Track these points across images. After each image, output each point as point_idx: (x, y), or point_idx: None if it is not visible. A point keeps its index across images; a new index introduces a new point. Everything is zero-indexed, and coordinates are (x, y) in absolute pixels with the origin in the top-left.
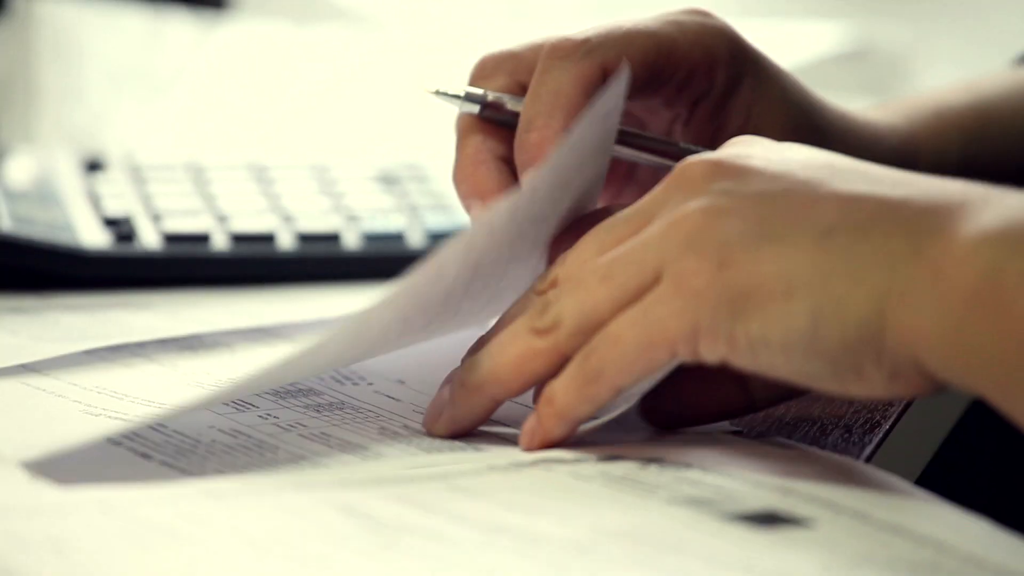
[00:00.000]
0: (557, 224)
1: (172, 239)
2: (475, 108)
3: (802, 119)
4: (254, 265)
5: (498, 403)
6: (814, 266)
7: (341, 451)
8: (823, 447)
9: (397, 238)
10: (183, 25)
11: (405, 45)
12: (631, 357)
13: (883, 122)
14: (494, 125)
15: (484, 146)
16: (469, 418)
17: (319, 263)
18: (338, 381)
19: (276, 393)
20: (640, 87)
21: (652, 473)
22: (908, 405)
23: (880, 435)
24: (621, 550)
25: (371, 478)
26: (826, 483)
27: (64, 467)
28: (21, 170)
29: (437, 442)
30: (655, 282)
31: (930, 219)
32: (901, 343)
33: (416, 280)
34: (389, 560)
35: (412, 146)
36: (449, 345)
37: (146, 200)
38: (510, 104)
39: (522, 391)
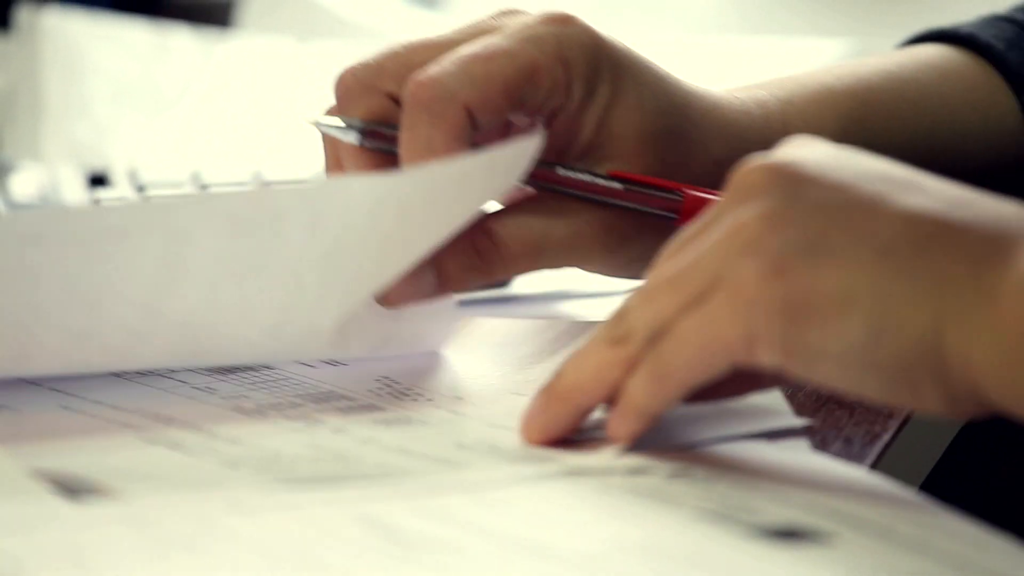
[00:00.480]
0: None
1: None
2: (354, 137)
3: (661, 120)
4: None
5: (584, 410)
6: (872, 282)
7: (424, 462)
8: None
9: None
10: (187, 41)
11: None
12: (694, 360)
13: (751, 100)
14: (372, 153)
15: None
16: (558, 425)
17: None
18: (396, 397)
19: (340, 409)
20: (501, 112)
21: (679, 487)
22: (908, 418)
23: (880, 447)
24: (638, 564)
25: (398, 492)
26: (850, 498)
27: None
28: (26, 184)
29: (510, 453)
30: (716, 288)
31: (990, 246)
32: (958, 367)
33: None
34: (406, 573)
35: None
36: (502, 361)
37: None
38: (387, 131)
39: (605, 398)
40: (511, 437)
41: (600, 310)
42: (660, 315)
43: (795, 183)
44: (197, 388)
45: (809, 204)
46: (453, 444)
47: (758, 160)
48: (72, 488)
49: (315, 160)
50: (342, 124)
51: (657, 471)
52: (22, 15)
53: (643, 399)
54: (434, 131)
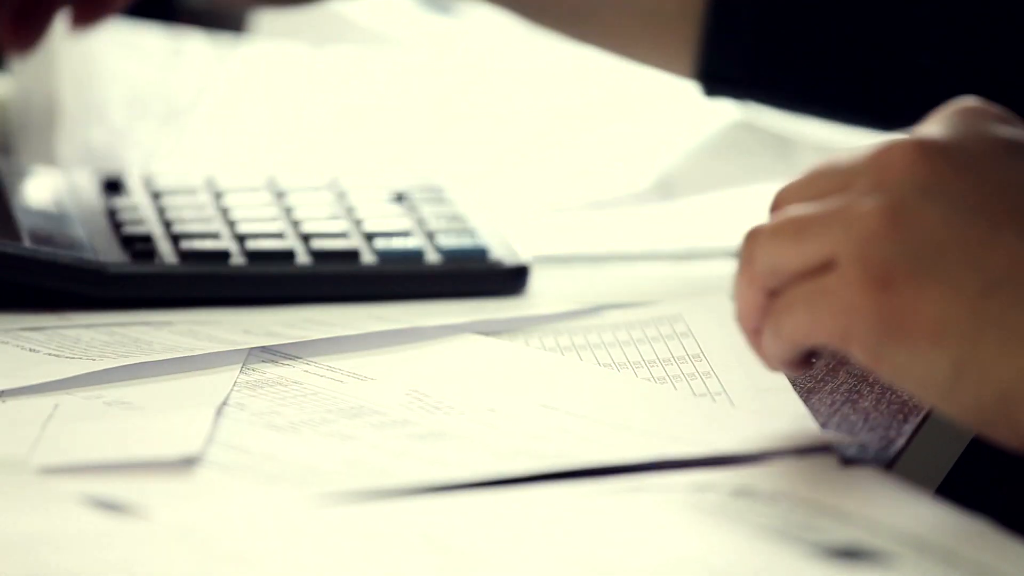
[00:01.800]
0: None
1: (191, 256)
2: None
3: None
4: (271, 282)
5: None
6: (968, 319)
7: (465, 474)
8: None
9: (415, 257)
10: (202, 47)
11: (423, 65)
12: (801, 332)
13: None
14: None
15: None
16: (765, 357)
17: (336, 280)
18: (427, 411)
19: (372, 425)
20: None
21: (741, 505)
22: (923, 422)
23: (895, 451)
24: None
25: (445, 506)
26: (914, 520)
27: None
28: (40, 189)
29: (547, 465)
30: (831, 265)
31: None
32: None
33: None
34: None
35: (431, 166)
36: (533, 371)
37: (164, 219)
38: None
39: (757, 316)
40: (546, 448)
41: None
42: (779, 260)
43: (932, 178)
44: (228, 405)
45: (937, 209)
46: (491, 455)
47: (906, 138)
48: (116, 506)
49: (331, 165)
50: None
51: (719, 488)
52: None
53: (771, 350)
54: None
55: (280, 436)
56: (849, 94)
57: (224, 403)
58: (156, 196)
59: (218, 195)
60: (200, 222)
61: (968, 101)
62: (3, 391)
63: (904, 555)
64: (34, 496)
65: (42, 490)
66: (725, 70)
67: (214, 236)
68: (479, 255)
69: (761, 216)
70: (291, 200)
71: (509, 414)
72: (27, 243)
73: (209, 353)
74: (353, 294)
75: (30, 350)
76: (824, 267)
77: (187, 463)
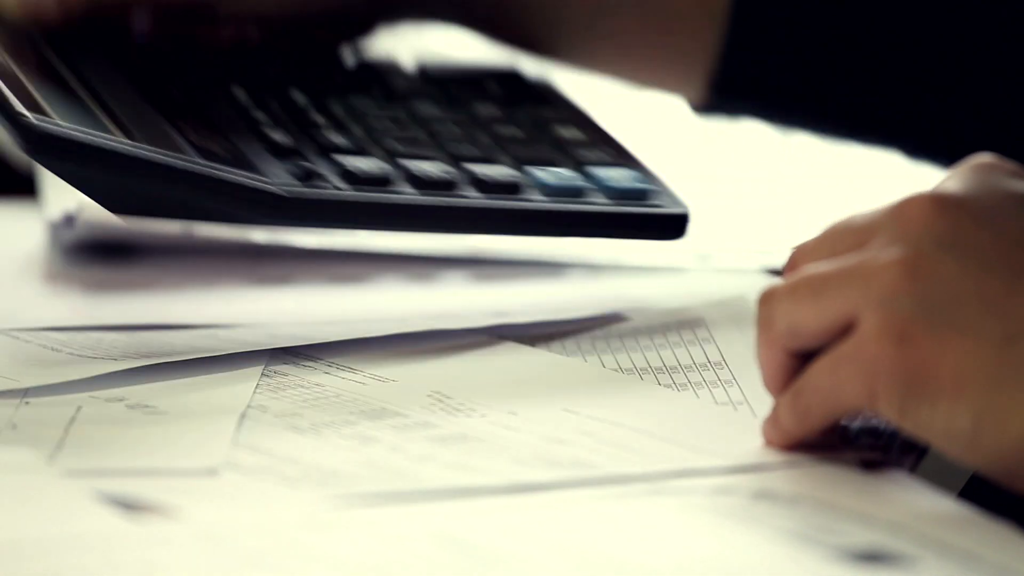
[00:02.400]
0: None
1: (361, 182)
2: None
3: None
4: (441, 214)
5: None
6: (988, 371)
7: (486, 478)
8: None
9: (580, 194)
10: None
11: None
12: (827, 406)
13: None
14: None
15: None
16: (783, 437)
17: (503, 214)
18: (449, 413)
19: (394, 427)
20: None
21: (762, 507)
22: None
23: (917, 453)
24: None
25: (468, 508)
26: (936, 522)
27: None
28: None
29: (574, 472)
30: (850, 324)
31: None
32: None
33: None
34: None
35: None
36: (555, 376)
37: (318, 140)
38: None
39: (782, 380)
40: (567, 452)
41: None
42: (799, 319)
43: (951, 230)
44: (250, 406)
45: (955, 262)
46: (511, 460)
47: (924, 193)
48: (135, 507)
49: None
50: None
51: (740, 491)
52: None
53: (791, 429)
54: None
55: (302, 438)
56: (864, 112)
57: (247, 408)
58: (297, 112)
59: (358, 115)
60: (355, 149)
61: (984, 157)
62: (26, 393)
63: (926, 558)
64: (55, 497)
65: (64, 491)
66: (745, 77)
67: (377, 161)
68: (642, 195)
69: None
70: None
71: (530, 417)
72: (195, 157)
73: (231, 354)
74: (516, 228)
75: (52, 349)
76: (844, 329)
77: (210, 472)
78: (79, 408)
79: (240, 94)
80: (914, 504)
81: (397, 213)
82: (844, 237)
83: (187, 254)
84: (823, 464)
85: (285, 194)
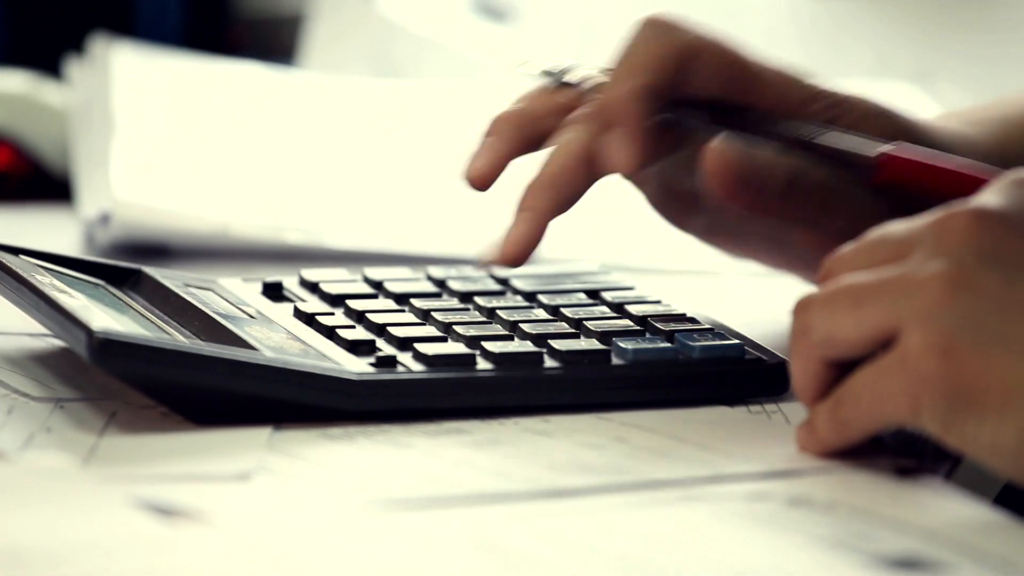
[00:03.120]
0: None
1: (437, 362)
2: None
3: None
4: (521, 388)
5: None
6: None
7: (522, 483)
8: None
9: (670, 357)
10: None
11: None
12: (869, 418)
13: (969, 135)
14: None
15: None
16: (821, 446)
17: (587, 385)
18: (481, 419)
19: (427, 433)
20: (713, 95)
21: (797, 514)
22: None
23: (952, 461)
24: None
25: (505, 514)
26: (971, 529)
27: None
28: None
29: (608, 478)
30: (892, 336)
31: None
32: None
33: None
34: None
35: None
36: None
37: (372, 322)
38: (595, 76)
39: (816, 389)
40: (602, 458)
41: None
42: (836, 329)
43: (993, 243)
44: None
45: (997, 275)
46: (545, 465)
47: (965, 207)
48: (169, 512)
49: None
50: (546, 68)
51: (775, 497)
52: (95, 46)
53: (827, 439)
54: (650, 47)
55: (335, 444)
56: None
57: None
58: (336, 300)
59: (401, 297)
60: (414, 325)
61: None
62: (60, 398)
63: (962, 565)
64: (90, 502)
65: (98, 496)
66: None
67: (442, 340)
68: (736, 352)
69: None
70: (478, 299)
71: (564, 424)
72: (264, 351)
73: None
74: (603, 400)
75: None
76: (884, 341)
77: (242, 477)
78: (113, 413)
79: None
80: (950, 511)
81: (474, 391)
82: (882, 248)
83: (221, 255)
84: (858, 471)
85: (359, 380)
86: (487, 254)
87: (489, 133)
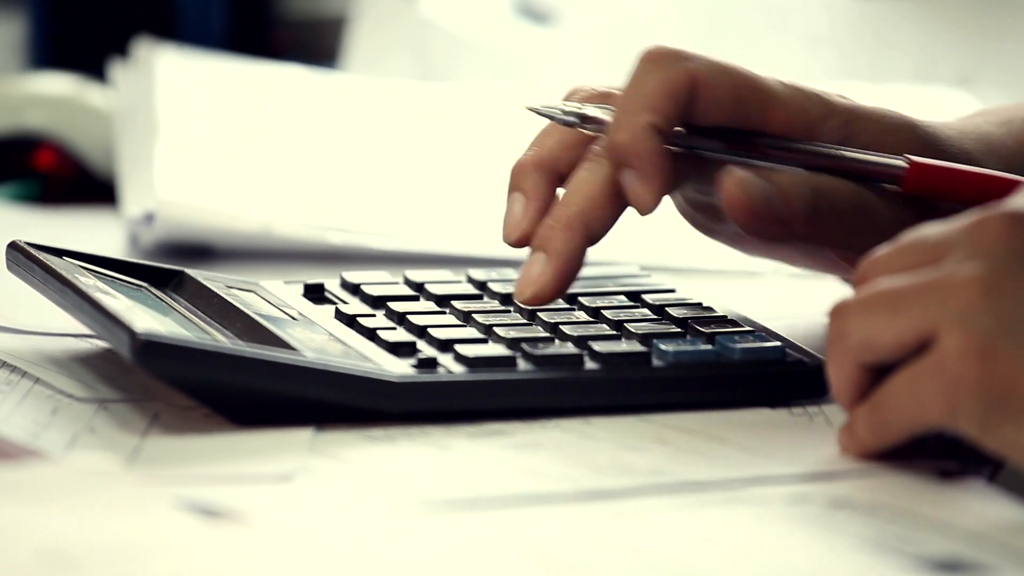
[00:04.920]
0: None
1: (478, 364)
2: (573, 120)
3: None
4: (563, 389)
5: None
6: None
7: (563, 485)
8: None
9: (711, 359)
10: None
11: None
12: (907, 421)
13: (994, 136)
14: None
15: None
16: (860, 448)
17: (628, 386)
18: (522, 421)
19: (468, 435)
20: (727, 119)
21: (840, 516)
22: None
23: (995, 463)
24: None
25: (547, 515)
26: (1015, 531)
27: None
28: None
29: (650, 479)
30: (929, 340)
31: None
32: None
33: None
34: None
35: None
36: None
37: (412, 324)
38: (604, 116)
39: (854, 393)
40: (643, 460)
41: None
42: (874, 334)
43: None
44: None
45: None
46: (587, 467)
47: (999, 209)
48: (212, 513)
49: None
50: (563, 109)
51: (817, 499)
52: (140, 50)
53: (867, 441)
54: (652, 80)
55: (377, 446)
56: None
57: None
58: (377, 302)
59: (442, 298)
60: (455, 327)
61: None
62: (104, 399)
63: (1004, 567)
64: (133, 503)
65: (141, 497)
66: None
67: (483, 341)
68: (777, 355)
69: None
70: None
71: (605, 425)
72: (306, 353)
73: None
74: (643, 402)
75: None
76: (921, 344)
77: (285, 478)
78: (156, 414)
79: None
80: (993, 513)
81: (515, 393)
82: (917, 252)
83: (264, 255)
84: (900, 473)
85: (401, 381)
86: (520, 294)
87: (513, 188)
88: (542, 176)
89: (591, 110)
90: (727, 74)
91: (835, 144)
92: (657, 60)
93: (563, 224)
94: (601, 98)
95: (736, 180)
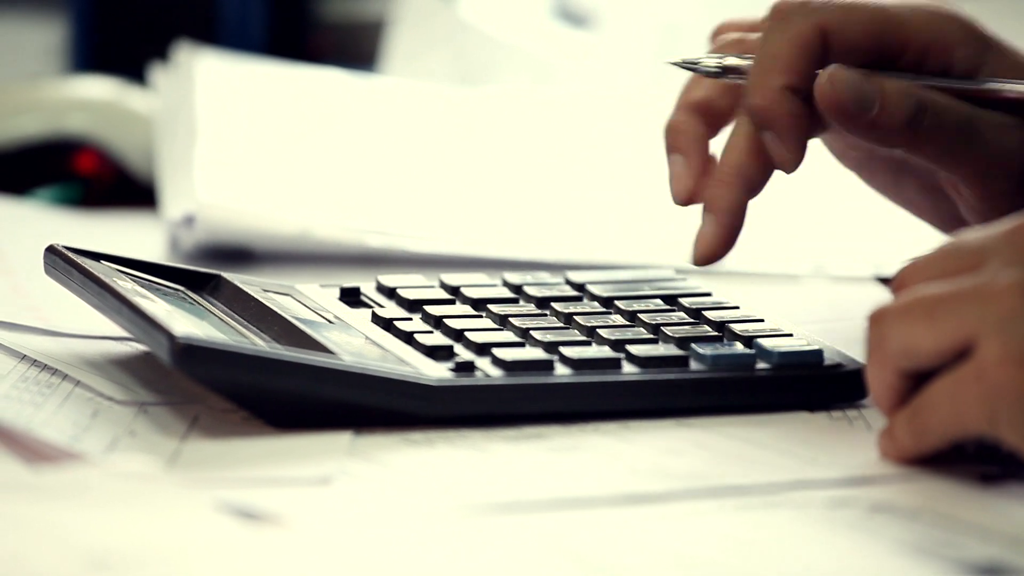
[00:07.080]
0: None
1: (515, 368)
2: (714, 72)
3: None
4: (600, 393)
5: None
6: None
7: (603, 489)
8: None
9: (748, 363)
10: (336, 83)
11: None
12: (947, 428)
13: None
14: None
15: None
16: (900, 453)
17: (666, 389)
18: (561, 424)
19: (507, 438)
20: (866, 60)
21: (880, 520)
22: None
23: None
24: None
25: (587, 519)
26: None
27: None
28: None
29: (689, 483)
30: (968, 347)
31: None
32: None
33: None
34: None
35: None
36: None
37: (449, 328)
38: (746, 65)
39: (894, 400)
40: (683, 464)
41: None
42: (912, 343)
43: None
44: None
45: None
46: (626, 471)
47: None
48: (252, 516)
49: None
50: (703, 62)
51: (858, 503)
52: (180, 54)
53: (906, 447)
54: (782, 39)
55: (415, 449)
56: None
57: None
58: (413, 305)
59: (479, 302)
60: (492, 331)
61: None
62: (144, 402)
63: None
64: (173, 506)
65: (181, 499)
66: None
67: (520, 345)
68: (815, 358)
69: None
70: (555, 304)
71: (643, 429)
72: (344, 357)
73: None
74: (681, 405)
75: None
76: (961, 351)
77: (324, 482)
78: (196, 417)
79: None
80: None
81: (554, 397)
82: (956, 258)
83: (304, 258)
84: (941, 477)
85: (439, 385)
86: (693, 256)
87: (670, 149)
88: (695, 131)
89: (731, 60)
90: (856, 14)
91: (966, 70)
92: (785, 16)
93: (722, 181)
94: (747, 38)
95: (828, 75)
